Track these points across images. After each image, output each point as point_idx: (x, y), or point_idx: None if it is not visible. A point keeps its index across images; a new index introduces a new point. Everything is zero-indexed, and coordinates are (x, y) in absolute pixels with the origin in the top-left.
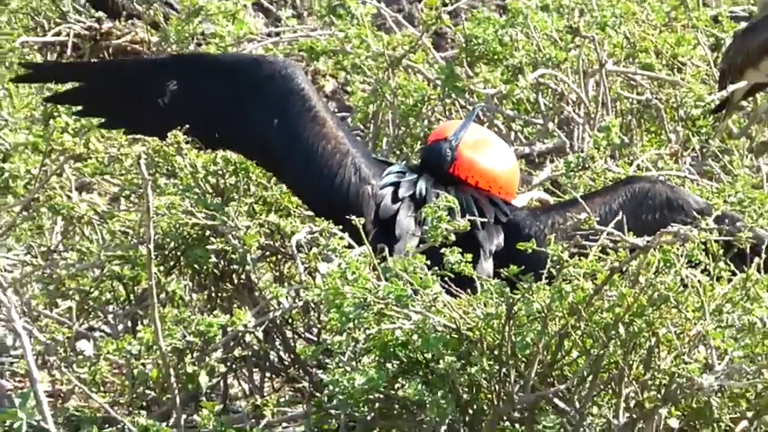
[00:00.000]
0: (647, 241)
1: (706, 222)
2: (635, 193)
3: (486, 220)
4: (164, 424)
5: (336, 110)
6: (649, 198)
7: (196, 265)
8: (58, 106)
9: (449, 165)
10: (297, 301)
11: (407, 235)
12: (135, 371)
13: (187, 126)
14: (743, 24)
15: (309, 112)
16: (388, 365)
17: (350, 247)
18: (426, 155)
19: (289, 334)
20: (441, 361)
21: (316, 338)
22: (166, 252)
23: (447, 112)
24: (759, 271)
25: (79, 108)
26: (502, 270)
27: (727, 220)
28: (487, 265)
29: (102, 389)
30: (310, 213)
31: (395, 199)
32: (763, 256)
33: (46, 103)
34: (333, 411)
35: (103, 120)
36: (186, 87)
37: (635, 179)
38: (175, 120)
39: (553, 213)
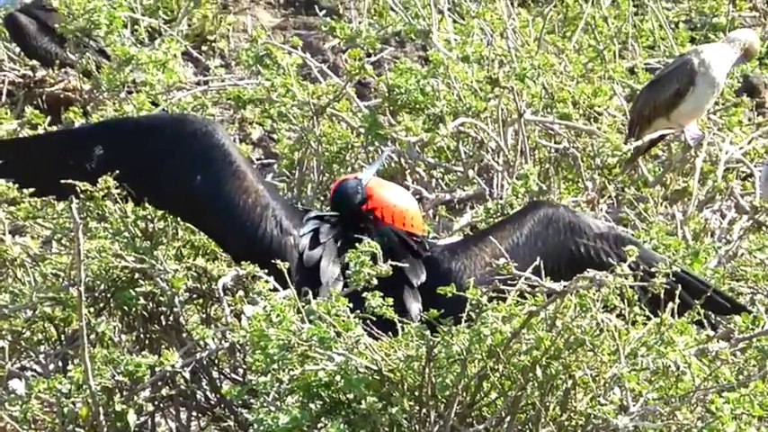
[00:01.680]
0: (564, 286)
1: (621, 268)
2: (541, 217)
3: (406, 264)
4: None
5: (263, 157)
6: (553, 221)
7: (125, 307)
8: None
9: (361, 201)
10: (223, 342)
11: (332, 282)
12: (65, 409)
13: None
14: None
15: (231, 166)
16: (312, 405)
17: (275, 290)
18: (337, 194)
19: (215, 374)
20: (363, 401)
21: (241, 379)
22: (96, 294)
23: (370, 160)
24: (673, 316)
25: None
26: (422, 314)
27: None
28: (415, 298)
29: (33, 426)
30: None
31: (315, 246)
32: (677, 301)
33: None
34: None
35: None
36: (112, 150)
37: (539, 204)
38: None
39: (470, 245)
